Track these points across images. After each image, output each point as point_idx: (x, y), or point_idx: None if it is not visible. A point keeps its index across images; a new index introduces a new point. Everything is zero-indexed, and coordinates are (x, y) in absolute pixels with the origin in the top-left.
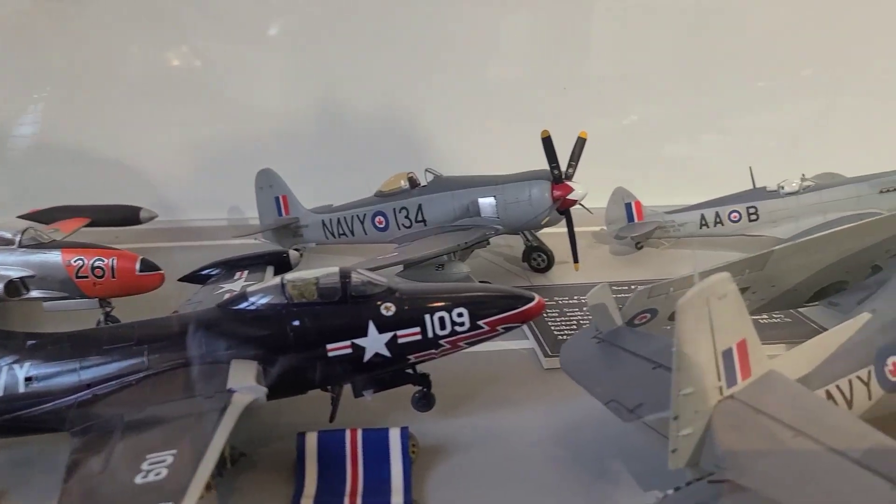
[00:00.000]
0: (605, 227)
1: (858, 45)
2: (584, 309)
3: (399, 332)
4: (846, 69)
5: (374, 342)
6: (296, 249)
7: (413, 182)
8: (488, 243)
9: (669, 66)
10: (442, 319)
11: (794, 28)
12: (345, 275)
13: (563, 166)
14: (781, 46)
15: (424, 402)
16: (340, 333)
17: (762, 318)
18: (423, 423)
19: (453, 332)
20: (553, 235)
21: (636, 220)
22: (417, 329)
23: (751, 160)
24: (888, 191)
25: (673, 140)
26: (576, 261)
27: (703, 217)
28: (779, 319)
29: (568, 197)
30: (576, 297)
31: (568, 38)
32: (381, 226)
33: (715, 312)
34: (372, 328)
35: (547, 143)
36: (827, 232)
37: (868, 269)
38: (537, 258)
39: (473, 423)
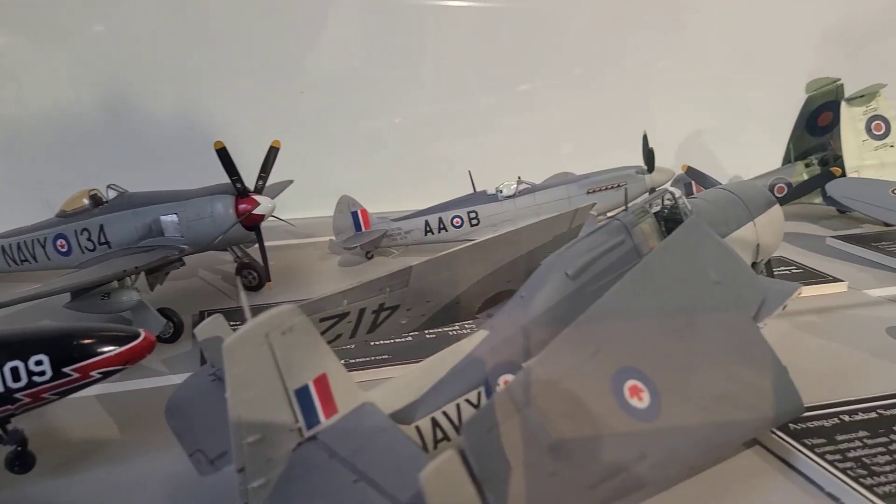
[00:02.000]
0: (333, 238)
1: (618, 44)
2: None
3: None
4: (609, 68)
5: None
6: None
7: (96, 200)
8: (183, 263)
9: (440, 66)
10: (15, 370)
11: (566, 27)
12: None
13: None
14: (552, 45)
15: (20, 462)
16: None
17: (451, 330)
18: (23, 487)
19: (32, 384)
20: (277, 249)
21: (363, 229)
22: None
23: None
24: (594, 191)
25: (439, 141)
26: (268, 279)
27: (427, 223)
28: (469, 331)
29: (254, 212)
30: None
31: (323, 40)
32: (64, 250)
33: (279, 349)
34: None
35: (222, 154)
36: (465, 245)
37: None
38: (248, 276)
39: (87, 479)
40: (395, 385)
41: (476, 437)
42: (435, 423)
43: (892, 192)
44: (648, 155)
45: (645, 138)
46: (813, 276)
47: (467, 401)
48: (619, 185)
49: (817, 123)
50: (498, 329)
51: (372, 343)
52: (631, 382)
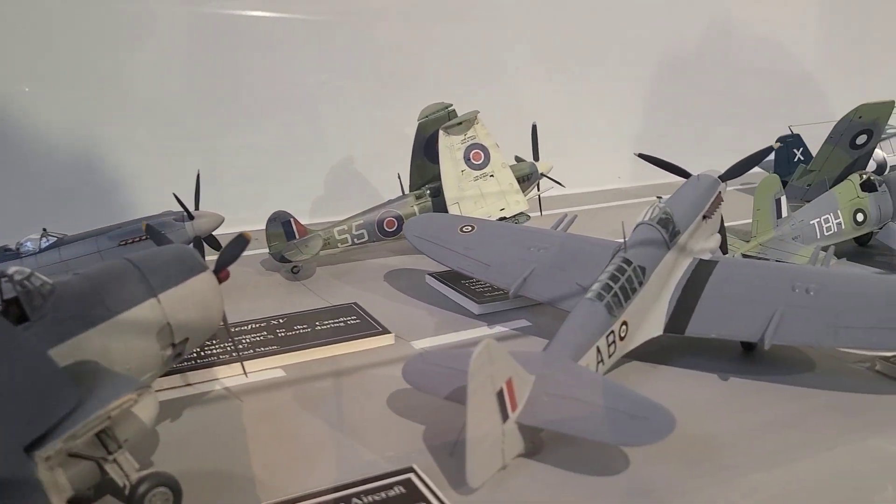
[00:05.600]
0: None
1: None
2: None
3: None
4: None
5: None
6: None
7: None
8: None
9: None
10: None
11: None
12: None
13: None
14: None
15: None
16: None
17: None
18: None
19: None
20: None
21: None
22: None
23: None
24: (127, 243)
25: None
26: None
27: None
28: None
29: None
30: None
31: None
32: None
33: None
34: None
35: None
36: None
37: None
38: None
39: None
40: None
41: None
42: None
43: (462, 230)
44: (194, 199)
45: (197, 179)
46: (365, 328)
47: None
48: None
49: (436, 150)
50: None
51: None
52: None
